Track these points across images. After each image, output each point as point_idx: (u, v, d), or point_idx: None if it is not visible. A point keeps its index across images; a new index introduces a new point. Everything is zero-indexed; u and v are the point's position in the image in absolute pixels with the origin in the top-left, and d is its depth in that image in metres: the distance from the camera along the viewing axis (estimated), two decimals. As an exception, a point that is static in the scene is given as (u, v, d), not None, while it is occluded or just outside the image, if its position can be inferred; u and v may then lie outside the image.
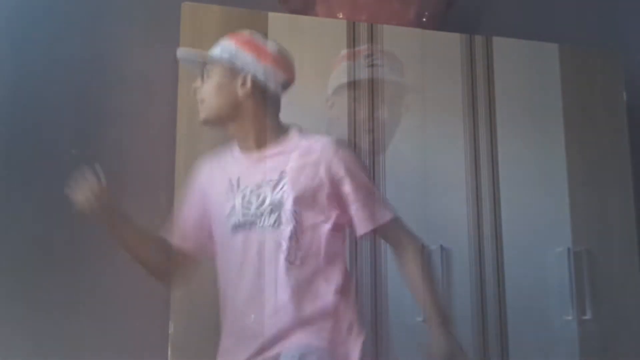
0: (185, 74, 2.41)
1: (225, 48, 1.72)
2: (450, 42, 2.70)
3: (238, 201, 1.62)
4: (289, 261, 1.60)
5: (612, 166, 2.76)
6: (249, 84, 1.76)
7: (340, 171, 1.68)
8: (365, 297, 2.34)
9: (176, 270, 1.76)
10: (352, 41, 2.59)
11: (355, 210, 1.68)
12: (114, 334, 2.48)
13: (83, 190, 1.52)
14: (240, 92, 1.74)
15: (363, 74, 1.78)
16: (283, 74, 1.77)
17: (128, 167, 2.63)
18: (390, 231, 1.70)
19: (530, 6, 3.26)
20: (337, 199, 1.67)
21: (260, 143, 1.69)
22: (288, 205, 1.61)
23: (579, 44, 2.93)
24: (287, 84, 1.79)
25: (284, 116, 2.46)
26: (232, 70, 1.73)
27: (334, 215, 1.66)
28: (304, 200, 1.63)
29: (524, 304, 2.54)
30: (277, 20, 2.52)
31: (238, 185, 1.65)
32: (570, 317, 2.56)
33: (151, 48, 2.72)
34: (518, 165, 2.65)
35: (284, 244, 1.60)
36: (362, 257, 2.42)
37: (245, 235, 1.61)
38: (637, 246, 2.71)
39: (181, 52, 1.78)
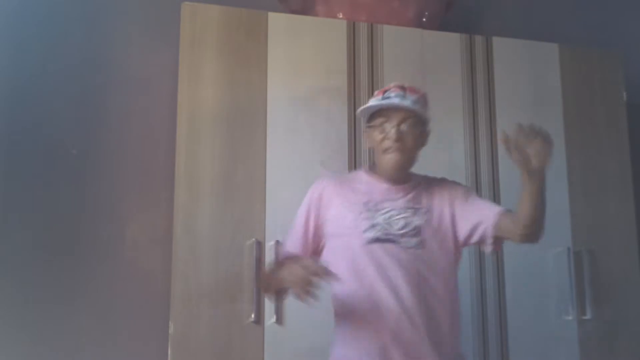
0: (186, 74, 2.42)
1: (414, 100, 1.82)
2: (450, 42, 2.70)
3: (380, 219, 1.75)
4: (444, 283, 1.78)
5: (612, 166, 2.76)
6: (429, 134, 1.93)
7: (459, 201, 1.84)
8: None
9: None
10: (352, 41, 2.59)
11: (478, 233, 1.81)
12: (114, 334, 2.48)
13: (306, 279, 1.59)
14: (425, 142, 1.92)
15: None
16: None
17: (128, 167, 2.63)
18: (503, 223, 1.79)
19: (530, 6, 3.26)
20: (453, 229, 1.83)
21: (401, 176, 1.85)
22: (426, 230, 1.77)
23: (579, 44, 2.93)
24: None
25: (282, 112, 2.47)
26: (423, 121, 1.87)
27: (462, 244, 1.85)
28: (436, 228, 1.79)
29: (524, 304, 2.54)
30: (277, 20, 2.52)
31: (380, 207, 1.78)
32: (570, 317, 2.56)
33: (151, 48, 2.72)
34: (518, 165, 2.65)
35: (422, 264, 1.74)
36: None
37: (384, 247, 1.73)
38: (637, 246, 2.71)
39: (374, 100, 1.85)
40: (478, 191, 2.59)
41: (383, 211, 1.77)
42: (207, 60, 2.43)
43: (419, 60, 2.64)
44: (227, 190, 2.35)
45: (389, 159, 1.79)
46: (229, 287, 2.28)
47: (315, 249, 1.85)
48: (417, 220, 1.76)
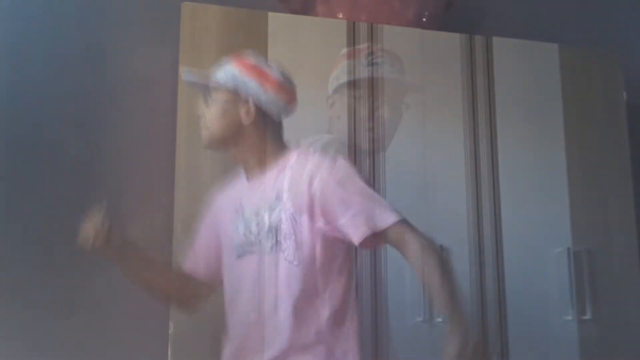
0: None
1: (229, 73, 1.71)
2: (450, 42, 2.70)
3: (241, 227, 1.63)
4: (287, 285, 1.59)
5: (612, 166, 2.76)
6: (252, 111, 1.76)
7: (327, 187, 1.64)
8: (365, 297, 2.34)
9: (193, 298, 1.78)
10: (352, 41, 2.59)
11: (348, 220, 1.63)
12: (114, 334, 2.48)
13: (88, 229, 1.53)
14: (244, 119, 1.75)
15: (363, 72, 1.77)
16: (286, 99, 1.76)
17: (128, 167, 2.63)
18: (395, 234, 1.64)
19: (530, 6, 3.26)
20: (328, 215, 1.64)
21: (263, 168, 1.69)
22: (284, 225, 1.60)
23: (579, 44, 2.93)
24: (289, 110, 1.79)
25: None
26: (236, 96, 1.73)
27: (327, 231, 1.64)
28: (297, 219, 1.62)
29: (524, 303, 2.54)
30: (277, 20, 2.52)
31: (243, 212, 1.66)
32: (570, 317, 2.56)
33: (151, 48, 2.72)
34: (518, 165, 2.65)
35: (282, 266, 1.59)
36: (362, 258, 2.42)
37: (248, 260, 1.62)
38: (637, 246, 2.71)
39: (185, 74, 1.76)
40: (478, 191, 2.59)
41: (243, 215, 1.64)
42: (207, 60, 2.43)
43: (419, 60, 2.64)
44: (227, 190, 2.35)
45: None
46: (229, 287, 2.27)
47: (217, 269, 1.73)
48: (273, 217, 1.62)
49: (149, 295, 1.67)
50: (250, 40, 2.48)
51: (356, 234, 1.61)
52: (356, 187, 1.66)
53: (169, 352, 2.22)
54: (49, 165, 2.55)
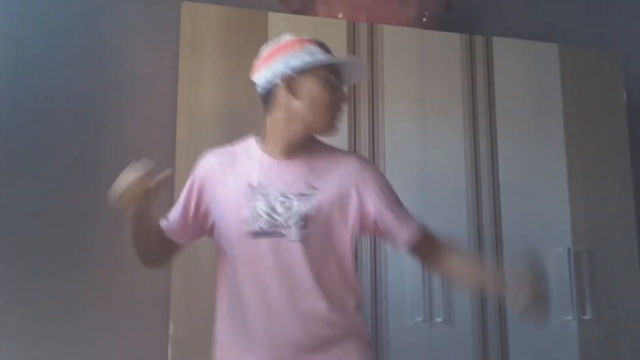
0: (186, 74, 2.42)
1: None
2: (450, 42, 2.70)
3: (261, 206, 1.56)
4: (314, 273, 1.58)
5: (612, 166, 2.76)
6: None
7: (370, 188, 1.65)
8: (366, 297, 2.34)
9: (165, 258, 1.71)
10: (352, 41, 2.59)
11: (394, 225, 1.66)
12: (114, 334, 2.48)
13: (129, 187, 1.46)
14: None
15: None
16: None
17: (128, 167, 2.63)
18: (423, 238, 1.69)
19: (530, 6, 3.26)
20: (363, 214, 1.64)
21: (298, 153, 1.63)
22: (316, 217, 1.57)
23: (579, 43, 2.93)
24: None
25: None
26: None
27: (357, 229, 1.65)
28: (330, 214, 1.60)
29: (524, 304, 2.54)
30: (277, 20, 2.52)
31: (264, 189, 1.58)
32: (570, 317, 2.56)
33: (151, 48, 2.72)
34: (518, 165, 2.65)
35: (309, 256, 1.57)
36: (362, 257, 2.42)
37: (272, 242, 1.56)
38: (637, 246, 2.71)
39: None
40: (478, 191, 2.59)
41: (265, 194, 1.58)
42: (207, 60, 2.43)
43: (419, 60, 2.64)
44: (227, 190, 2.35)
45: (329, 126, 1.61)
46: (229, 287, 2.27)
47: (199, 229, 1.67)
48: (305, 205, 1.57)
49: (132, 249, 1.60)
50: (250, 40, 2.48)
51: (401, 242, 1.68)
52: (392, 193, 1.72)
53: (169, 352, 2.23)
54: (49, 165, 2.55)
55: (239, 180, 1.62)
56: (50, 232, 2.50)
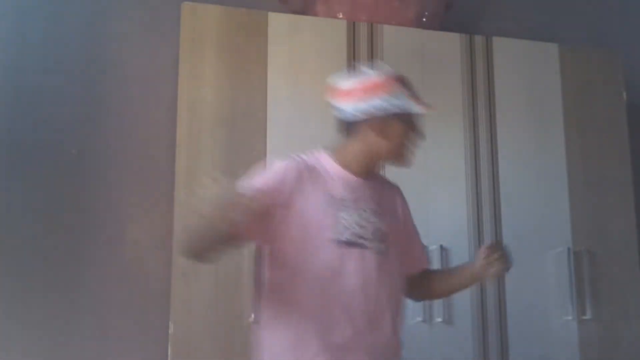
0: (186, 74, 2.42)
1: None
2: (450, 42, 2.70)
3: (347, 217, 1.68)
4: (395, 288, 1.73)
5: (612, 166, 2.75)
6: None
7: (407, 214, 1.86)
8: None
9: (222, 252, 1.71)
10: (352, 41, 2.59)
11: (421, 248, 1.88)
12: (114, 334, 2.48)
13: (234, 203, 1.47)
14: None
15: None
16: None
17: (128, 167, 2.63)
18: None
19: (530, 6, 3.26)
20: (406, 236, 1.83)
21: (373, 174, 1.79)
22: (388, 234, 1.72)
23: (579, 43, 2.93)
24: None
25: (285, 113, 2.47)
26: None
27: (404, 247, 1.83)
28: (394, 233, 1.75)
29: (524, 304, 2.54)
30: (277, 20, 2.52)
31: (347, 202, 1.69)
32: (570, 317, 2.56)
33: (151, 48, 2.72)
34: (518, 165, 2.65)
35: (391, 269, 1.72)
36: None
37: (359, 253, 1.67)
38: (637, 246, 2.71)
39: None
40: (478, 191, 2.59)
41: (352, 208, 1.69)
42: (207, 60, 2.43)
43: (419, 60, 2.64)
44: (227, 190, 2.35)
45: (406, 161, 1.77)
46: (229, 287, 2.28)
47: (264, 230, 1.66)
48: (384, 224, 1.72)
49: (195, 240, 1.59)
50: (250, 40, 2.48)
51: (424, 261, 1.89)
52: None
53: (169, 352, 2.23)
54: (49, 165, 2.55)
55: (319, 191, 1.69)
56: (50, 231, 2.50)
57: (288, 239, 1.68)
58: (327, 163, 1.76)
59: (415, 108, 1.73)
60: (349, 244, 1.67)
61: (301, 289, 1.67)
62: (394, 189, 1.86)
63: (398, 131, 1.72)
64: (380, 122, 1.72)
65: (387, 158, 1.77)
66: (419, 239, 1.87)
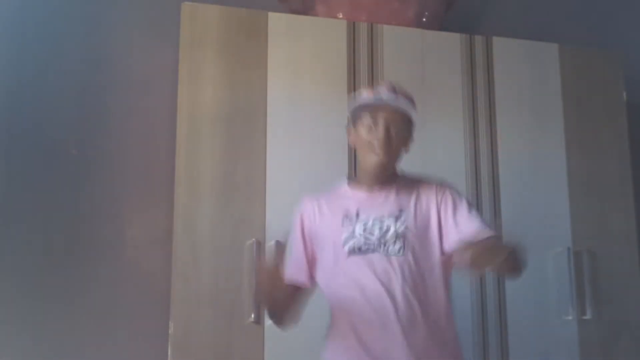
0: (186, 74, 2.42)
1: (406, 102, 1.81)
2: (450, 42, 2.70)
3: (359, 230, 1.74)
4: (415, 285, 1.73)
5: (612, 166, 2.75)
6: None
7: (447, 208, 1.82)
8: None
9: (298, 309, 1.87)
10: (352, 41, 2.59)
11: (460, 229, 1.79)
12: (114, 334, 2.48)
13: (263, 277, 1.69)
14: (409, 147, 1.89)
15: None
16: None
17: (128, 167, 2.63)
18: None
19: (530, 6, 3.26)
20: (442, 231, 1.80)
21: (384, 185, 1.81)
22: (407, 235, 1.74)
23: (579, 44, 2.93)
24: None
25: (282, 112, 2.47)
26: (411, 125, 1.85)
27: (445, 248, 1.80)
28: (417, 231, 1.76)
29: (524, 304, 2.54)
30: (277, 20, 2.52)
31: (357, 217, 1.77)
32: (570, 317, 2.56)
33: (151, 48, 2.72)
34: (518, 165, 2.65)
35: (409, 266, 1.73)
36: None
37: (367, 258, 1.73)
38: (637, 246, 2.71)
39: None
40: (478, 191, 2.59)
41: (361, 220, 1.76)
42: (207, 60, 2.43)
43: (419, 60, 2.64)
44: (227, 190, 2.35)
45: (372, 159, 1.77)
46: (229, 287, 2.28)
47: (314, 273, 1.85)
48: (398, 226, 1.74)
49: (272, 315, 1.83)
50: (250, 40, 2.48)
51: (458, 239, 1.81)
52: (464, 207, 1.87)
53: (169, 352, 2.23)
54: (49, 165, 2.55)
55: (335, 213, 1.81)
56: (50, 232, 2.50)
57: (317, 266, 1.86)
58: (343, 189, 1.87)
59: (361, 97, 1.79)
60: (353, 253, 1.74)
61: (331, 303, 1.81)
62: (424, 187, 1.84)
63: (359, 132, 1.79)
64: (349, 133, 1.85)
65: (364, 162, 1.81)
66: (462, 221, 1.79)
